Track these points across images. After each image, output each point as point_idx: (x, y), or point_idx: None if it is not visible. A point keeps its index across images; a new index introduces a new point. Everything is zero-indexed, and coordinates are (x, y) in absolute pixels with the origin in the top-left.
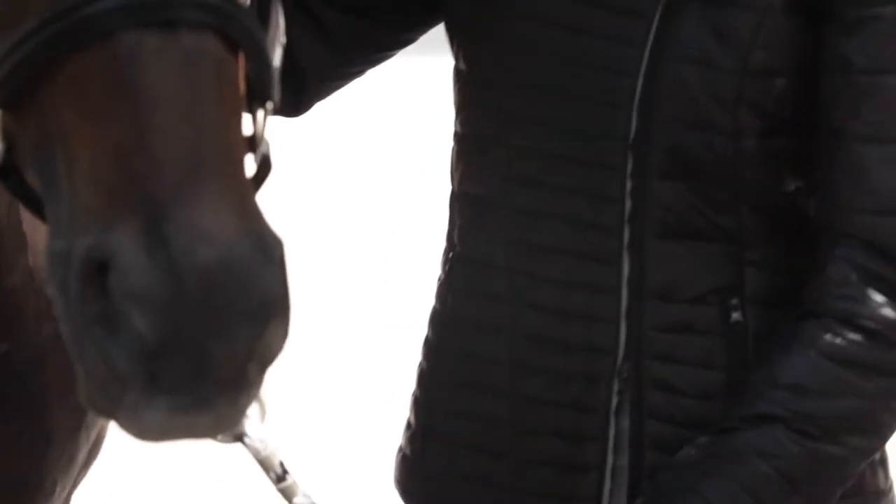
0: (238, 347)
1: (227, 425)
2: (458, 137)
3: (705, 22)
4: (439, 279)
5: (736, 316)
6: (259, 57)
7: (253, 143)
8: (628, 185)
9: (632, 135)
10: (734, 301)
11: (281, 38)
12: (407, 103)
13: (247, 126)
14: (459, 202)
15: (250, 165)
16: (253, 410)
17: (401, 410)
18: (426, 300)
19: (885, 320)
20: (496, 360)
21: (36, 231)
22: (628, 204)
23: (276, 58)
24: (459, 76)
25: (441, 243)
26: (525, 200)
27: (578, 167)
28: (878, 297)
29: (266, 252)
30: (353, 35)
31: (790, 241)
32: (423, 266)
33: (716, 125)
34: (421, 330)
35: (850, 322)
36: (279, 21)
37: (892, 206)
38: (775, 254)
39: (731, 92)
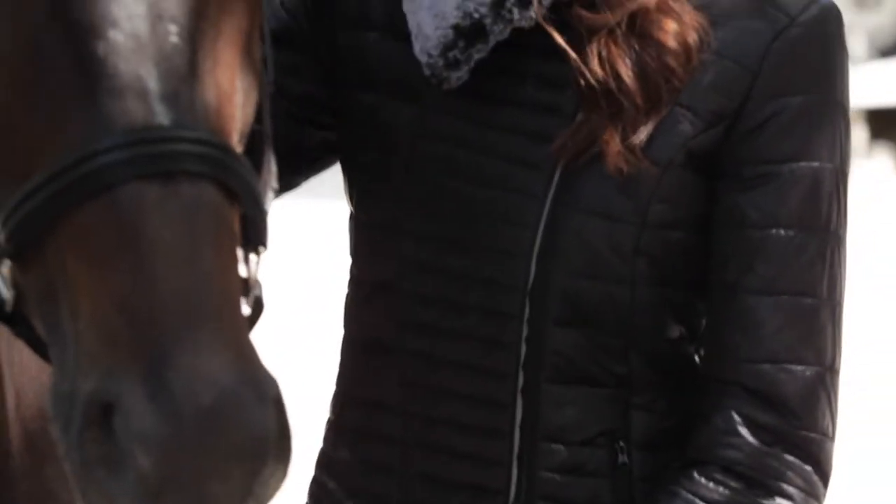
0: (235, 486)
1: None
2: (354, 282)
3: (607, 175)
4: (329, 421)
5: (622, 458)
6: (254, 204)
7: (247, 285)
8: (524, 331)
9: (530, 283)
10: (621, 444)
11: (273, 185)
12: (299, 246)
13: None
14: (353, 345)
15: (244, 308)
16: None
17: None
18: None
19: (766, 469)
20: (387, 500)
21: (22, 374)
22: (524, 350)
23: (269, 204)
24: (357, 222)
25: (330, 384)
26: (421, 345)
27: (475, 314)
28: (761, 446)
29: (261, 394)
30: None
31: (675, 387)
32: (312, 405)
33: (614, 275)
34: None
35: (732, 470)
36: (272, 168)
37: (777, 355)
38: (661, 399)
39: (630, 243)
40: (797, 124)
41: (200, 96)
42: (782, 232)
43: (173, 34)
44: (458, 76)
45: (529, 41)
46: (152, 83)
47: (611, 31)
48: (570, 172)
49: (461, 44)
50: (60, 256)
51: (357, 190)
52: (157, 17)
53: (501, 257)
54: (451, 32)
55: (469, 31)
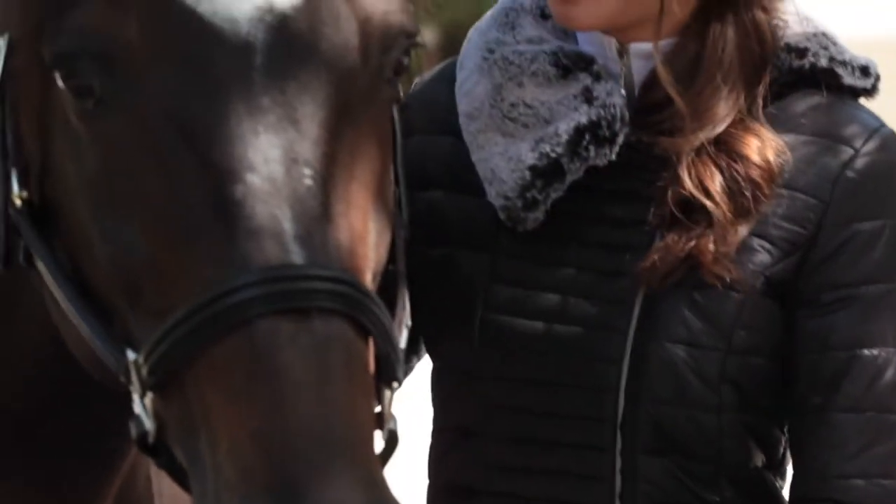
0: None
1: None
2: (437, 432)
3: (691, 304)
4: None
5: None
6: (386, 340)
7: (381, 419)
8: (618, 463)
9: (620, 416)
10: None
11: (407, 321)
12: None
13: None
14: (438, 493)
15: (378, 441)
16: None
17: None
18: None
19: None
20: None
21: None
22: (618, 482)
23: (402, 340)
24: (439, 374)
25: None
26: (510, 486)
27: (566, 450)
28: None
29: None
30: None
31: None
32: None
33: (700, 402)
34: None
35: None
36: (405, 304)
37: (869, 470)
38: None
39: (716, 370)
40: (871, 247)
41: (334, 236)
42: (866, 352)
43: (307, 177)
44: (535, 217)
45: (600, 183)
46: (287, 224)
47: (698, 151)
48: (650, 304)
49: (539, 183)
50: (199, 389)
51: (434, 339)
52: (292, 161)
53: (589, 393)
54: (528, 174)
55: (546, 171)
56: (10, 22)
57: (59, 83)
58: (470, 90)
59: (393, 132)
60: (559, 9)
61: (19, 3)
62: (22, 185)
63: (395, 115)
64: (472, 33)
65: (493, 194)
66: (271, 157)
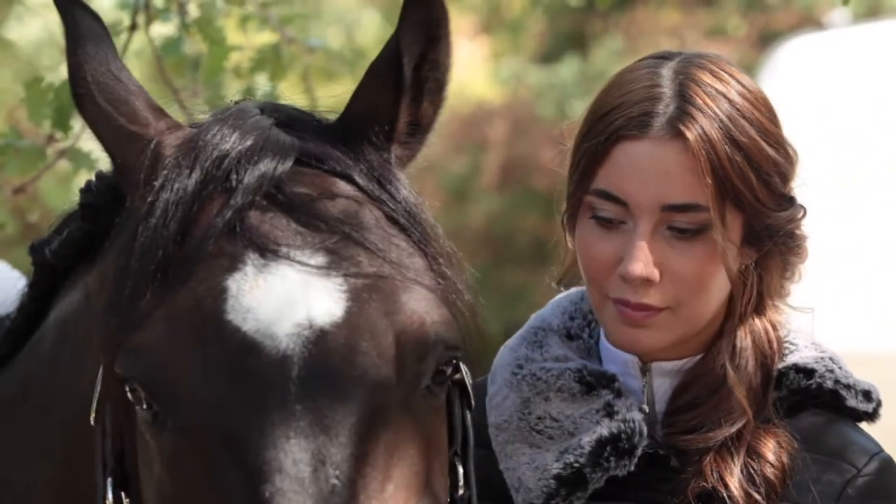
0: None
1: None
2: None
3: None
4: None
5: None
6: None
7: None
8: None
9: None
10: None
11: None
12: None
13: None
14: None
15: None
16: None
17: None
18: None
19: None
20: None
21: None
22: None
23: None
24: None
25: None
26: None
27: None
28: None
29: None
30: None
31: None
32: None
33: None
34: None
35: None
36: None
37: None
38: None
39: None
40: None
41: None
42: None
43: (333, 477)
44: None
45: (620, 493)
46: None
47: (719, 448)
48: None
49: (563, 492)
50: None
51: None
52: (319, 463)
53: None
54: (553, 482)
55: (570, 480)
56: (99, 344)
57: (129, 396)
58: (499, 403)
59: (450, 433)
60: (627, 333)
61: (102, 326)
62: (116, 493)
63: (466, 419)
64: (502, 350)
65: (519, 501)
66: (300, 459)
